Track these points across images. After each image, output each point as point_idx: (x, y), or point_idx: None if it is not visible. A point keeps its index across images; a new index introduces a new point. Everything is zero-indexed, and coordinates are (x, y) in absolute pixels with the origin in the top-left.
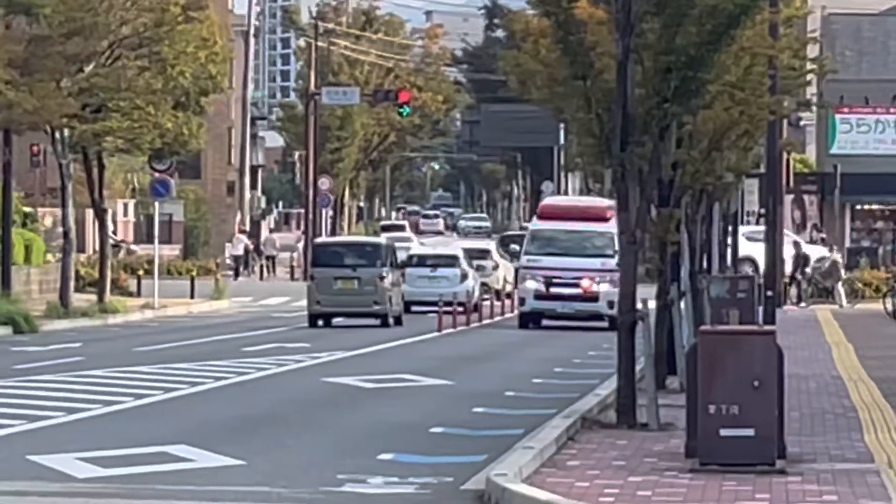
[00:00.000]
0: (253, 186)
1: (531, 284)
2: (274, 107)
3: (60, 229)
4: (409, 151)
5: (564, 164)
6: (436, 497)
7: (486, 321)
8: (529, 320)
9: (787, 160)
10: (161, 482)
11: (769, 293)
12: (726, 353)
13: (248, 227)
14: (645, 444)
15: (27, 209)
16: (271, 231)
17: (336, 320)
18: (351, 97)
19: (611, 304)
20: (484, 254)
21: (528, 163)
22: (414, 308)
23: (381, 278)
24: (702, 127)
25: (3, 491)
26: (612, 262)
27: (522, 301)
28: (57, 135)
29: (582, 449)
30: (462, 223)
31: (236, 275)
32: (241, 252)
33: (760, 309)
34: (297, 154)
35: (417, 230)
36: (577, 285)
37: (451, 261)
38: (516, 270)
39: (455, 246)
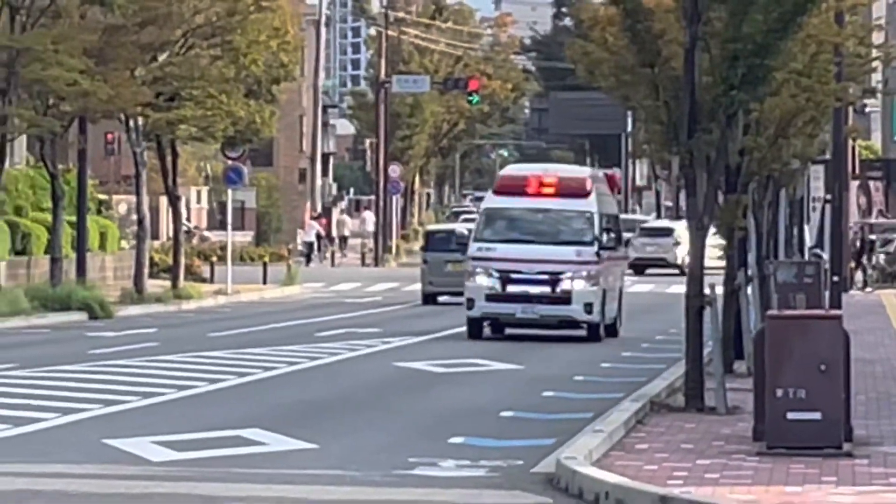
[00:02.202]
0: (324, 174)
1: (482, 281)
2: (345, 95)
3: (135, 216)
4: (479, 139)
5: (632, 151)
6: (506, 480)
7: None
8: (479, 328)
9: (853, 147)
10: (234, 465)
11: (835, 278)
12: (793, 337)
13: (319, 214)
14: (713, 427)
15: (102, 196)
16: (342, 212)
17: (441, 298)
18: (421, 85)
19: (588, 308)
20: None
21: (595, 150)
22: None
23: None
24: (768, 114)
25: (79, 474)
26: (592, 252)
27: (471, 303)
28: (131, 123)
29: (650, 432)
30: None
31: (308, 261)
32: (312, 238)
33: (827, 294)
34: (367, 142)
35: None
36: (543, 282)
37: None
38: None
39: None
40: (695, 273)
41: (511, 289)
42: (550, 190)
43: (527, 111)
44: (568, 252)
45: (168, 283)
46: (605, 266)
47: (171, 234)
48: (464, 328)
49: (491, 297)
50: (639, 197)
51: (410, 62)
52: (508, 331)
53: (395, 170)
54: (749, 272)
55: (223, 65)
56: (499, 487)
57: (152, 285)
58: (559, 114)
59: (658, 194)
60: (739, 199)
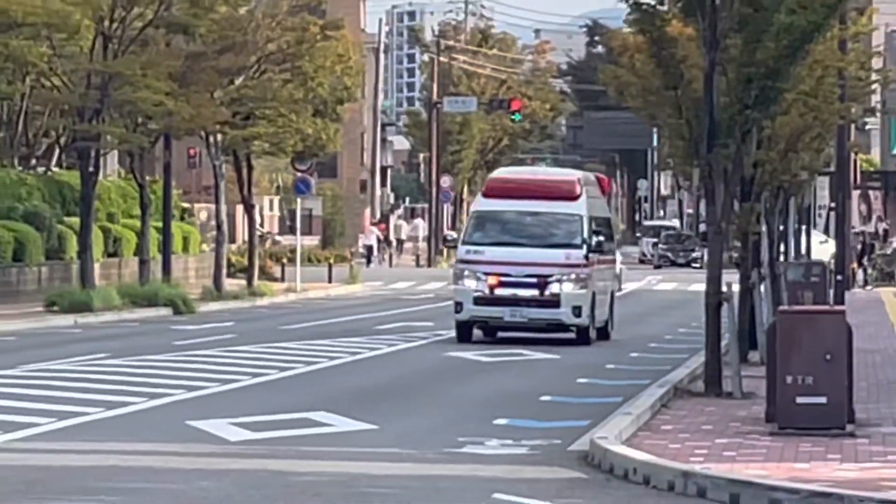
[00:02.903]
0: (382, 184)
1: (470, 284)
2: (401, 114)
3: (214, 222)
4: (521, 153)
5: (657, 163)
6: (545, 457)
7: None
8: (468, 332)
9: (855, 160)
10: (304, 444)
11: (839, 277)
12: (802, 330)
13: (378, 220)
14: (729, 410)
15: (185, 205)
16: (398, 218)
17: None
18: (469, 105)
19: (577, 311)
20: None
21: (625, 163)
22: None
23: None
24: (779, 131)
25: (165, 451)
26: (581, 255)
27: (458, 306)
28: (211, 139)
29: (674, 415)
30: None
31: (368, 262)
32: (372, 242)
33: (831, 291)
34: (421, 156)
35: None
36: (531, 285)
37: None
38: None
39: None
40: (713, 273)
41: (499, 292)
42: (539, 193)
43: (563, 128)
44: (556, 255)
45: (244, 282)
46: (595, 269)
47: (246, 238)
48: None
49: (479, 301)
50: (663, 205)
51: (459, 85)
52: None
53: (445, 181)
54: (762, 272)
55: (293, 87)
56: (539, 464)
57: (230, 284)
58: (592, 131)
59: (681, 203)
60: (753, 207)
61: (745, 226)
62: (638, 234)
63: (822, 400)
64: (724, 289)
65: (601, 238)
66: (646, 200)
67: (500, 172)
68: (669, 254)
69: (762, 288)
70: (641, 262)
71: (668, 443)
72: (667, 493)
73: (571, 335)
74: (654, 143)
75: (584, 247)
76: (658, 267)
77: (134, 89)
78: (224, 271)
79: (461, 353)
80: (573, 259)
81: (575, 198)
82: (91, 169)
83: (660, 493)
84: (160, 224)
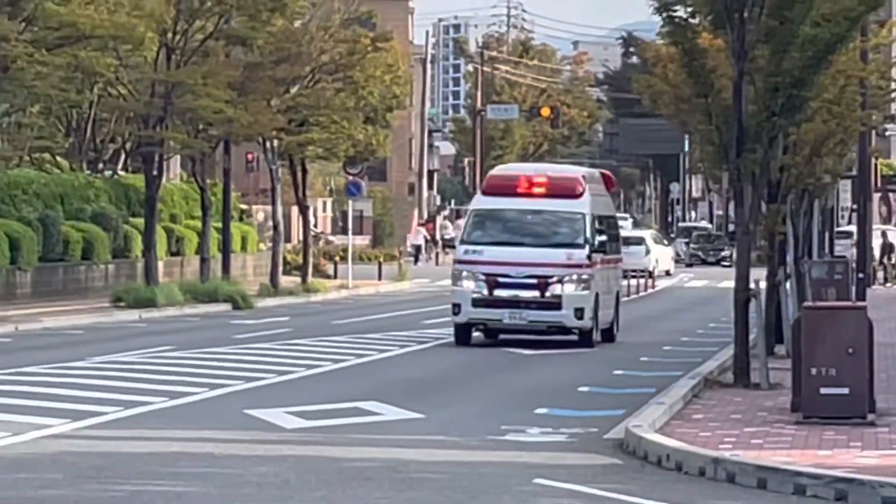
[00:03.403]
0: (429, 187)
1: (468, 285)
2: (447, 121)
3: (271, 223)
4: (560, 158)
5: (688, 167)
6: (583, 444)
7: (632, 296)
8: (466, 334)
9: (875, 164)
10: (355, 432)
11: (860, 275)
12: (825, 324)
13: (425, 221)
14: (757, 400)
15: (243, 206)
16: (444, 219)
17: None
18: (511, 113)
19: (579, 313)
20: (640, 240)
21: (658, 167)
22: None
23: None
24: (804, 137)
25: (224, 438)
26: (584, 254)
27: (456, 308)
28: (268, 145)
29: (704, 405)
30: None
31: (416, 260)
32: (420, 241)
33: (853, 288)
34: (466, 160)
35: None
36: (531, 286)
37: (639, 240)
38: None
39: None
40: (742, 271)
41: (498, 293)
42: (541, 190)
43: (600, 134)
44: (558, 255)
45: (298, 279)
46: (598, 269)
47: (301, 237)
48: None
49: (477, 302)
50: (694, 206)
51: (502, 93)
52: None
53: None
54: (787, 270)
55: (345, 96)
56: (577, 451)
57: (285, 281)
58: (628, 137)
59: (711, 204)
60: (779, 209)
61: (771, 226)
62: (672, 235)
63: (845, 391)
64: (752, 286)
65: (605, 237)
66: (678, 202)
67: (501, 169)
68: (700, 253)
69: (788, 285)
70: (675, 261)
71: (699, 431)
72: (698, 479)
73: (574, 337)
74: (686, 148)
75: (587, 246)
76: (690, 265)
77: (195, 97)
78: (280, 269)
79: (504, 347)
80: (575, 259)
81: (578, 195)
82: (155, 172)
83: (691, 478)
84: (220, 224)
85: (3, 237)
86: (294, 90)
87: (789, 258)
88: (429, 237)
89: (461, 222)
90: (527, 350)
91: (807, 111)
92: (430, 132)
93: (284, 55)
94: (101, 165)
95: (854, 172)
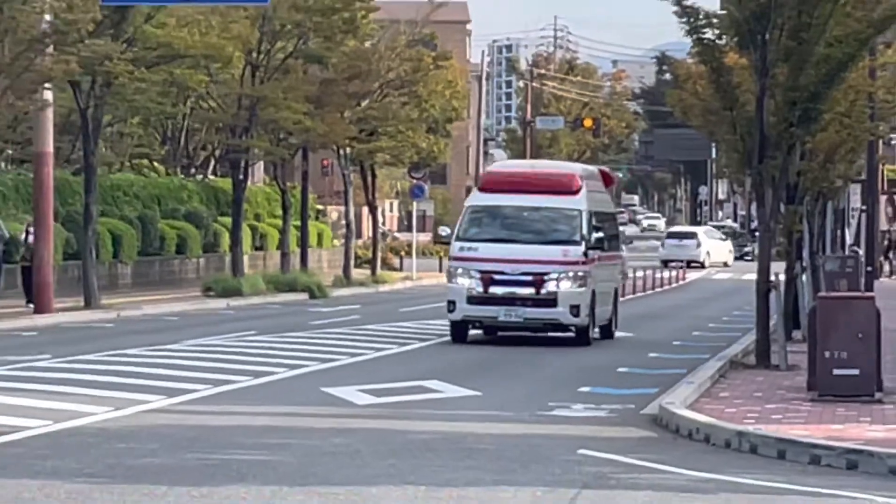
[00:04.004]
0: None
1: (463, 282)
2: (500, 131)
3: (343, 221)
4: (600, 164)
5: (715, 172)
6: (622, 419)
7: (665, 287)
8: (462, 332)
9: (882, 169)
10: (419, 407)
11: (869, 268)
12: (838, 312)
13: None
14: (776, 380)
15: (319, 207)
16: None
17: None
18: (557, 124)
19: (575, 310)
20: (693, 234)
21: (688, 172)
22: (671, 265)
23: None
24: (818, 145)
25: (303, 413)
26: (580, 251)
27: (451, 305)
28: (341, 152)
29: (730, 384)
30: (639, 218)
31: None
32: None
33: (863, 280)
34: None
35: None
36: (527, 283)
37: (692, 234)
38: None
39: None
40: (763, 264)
41: (493, 290)
42: (537, 187)
43: (636, 143)
44: (554, 251)
45: (368, 272)
46: (595, 266)
47: (370, 234)
48: (619, 301)
49: (472, 300)
50: (720, 207)
51: (549, 106)
52: (635, 306)
53: None
54: (804, 264)
55: (410, 109)
56: (616, 425)
57: (356, 273)
58: (661, 145)
59: (735, 205)
60: (797, 209)
61: (789, 225)
62: None
63: (855, 372)
64: (772, 278)
65: (602, 234)
66: (705, 203)
67: (498, 165)
68: (660, 251)
69: (804, 277)
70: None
71: (725, 407)
72: (724, 450)
73: (570, 335)
74: (713, 155)
75: (583, 243)
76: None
77: (277, 110)
78: (352, 262)
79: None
80: (571, 256)
81: (574, 192)
82: (241, 176)
83: (718, 449)
84: (299, 222)
85: (107, 234)
86: (364, 103)
87: (805, 253)
88: None
89: None
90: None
91: (821, 122)
92: (486, 141)
93: (356, 72)
94: (193, 170)
95: (863, 177)
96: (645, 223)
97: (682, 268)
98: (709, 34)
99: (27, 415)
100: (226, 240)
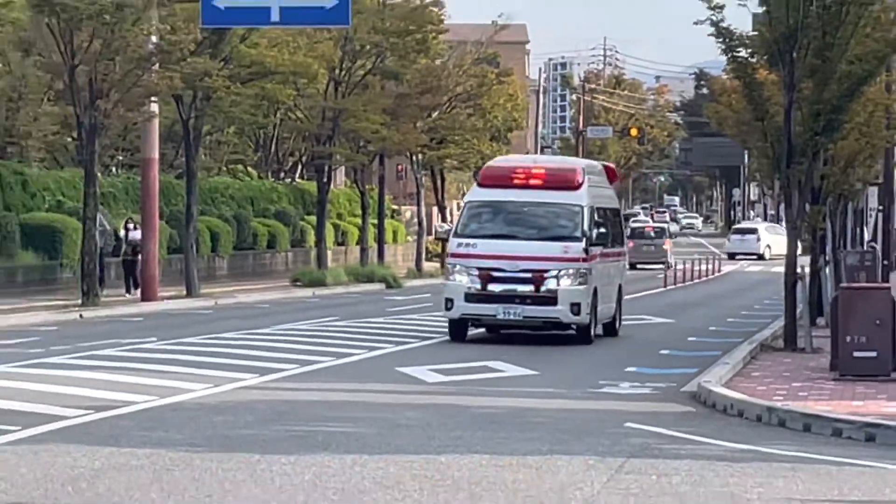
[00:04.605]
0: None
1: (461, 279)
2: (555, 139)
3: (416, 220)
4: (644, 169)
5: (747, 176)
6: (664, 396)
7: (703, 278)
8: (461, 330)
9: None
10: (484, 385)
11: (885, 262)
12: (857, 301)
13: None
14: (802, 361)
15: (394, 207)
16: None
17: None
18: (606, 133)
19: (575, 309)
20: (753, 230)
21: (723, 176)
22: (738, 258)
23: (665, 244)
24: (840, 152)
25: (380, 390)
26: (580, 248)
27: (449, 303)
28: (414, 158)
29: (760, 365)
30: (679, 217)
31: None
32: None
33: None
34: None
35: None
36: (526, 280)
37: (753, 230)
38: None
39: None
40: (790, 259)
41: (492, 288)
42: (537, 182)
43: (677, 150)
44: (554, 248)
45: (438, 265)
46: (597, 263)
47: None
48: (649, 293)
49: (470, 297)
50: (752, 207)
51: (599, 117)
52: (675, 295)
53: None
54: (827, 258)
55: (475, 119)
56: (659, 401)
57: (427, 265)
58: (699, 152)
59: (765, 206)
60: (820, 209)
61: (814, 223)
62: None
63: (873, 354)
64: (798, 270)
65: (604, 230)
66: (738, 204)
67: (498, 160)
68: (726, 245)
69: (827, 270)
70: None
71: (756, 385)
72: (755, 423)
73: (571, 333)
74: (745, 161)
75: (584, 239)
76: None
77: (357, 121)
78: (423, 256)
79: None
80: (572, 253)
81: (576, 187)
82: (325, 180)
83: (750, 423)
84: (376, 221)
85: (206, 231)
86: (435, 115)
87: (828, 248)
88: None
89: None
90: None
91: (842, 132)
92: (542, 148)
93: (427, 87)
94: (282, 174)
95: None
96: (683, 222)
97: (748, 259)
98: (742, 53)
99: (136, 391)
100: (311, 236)
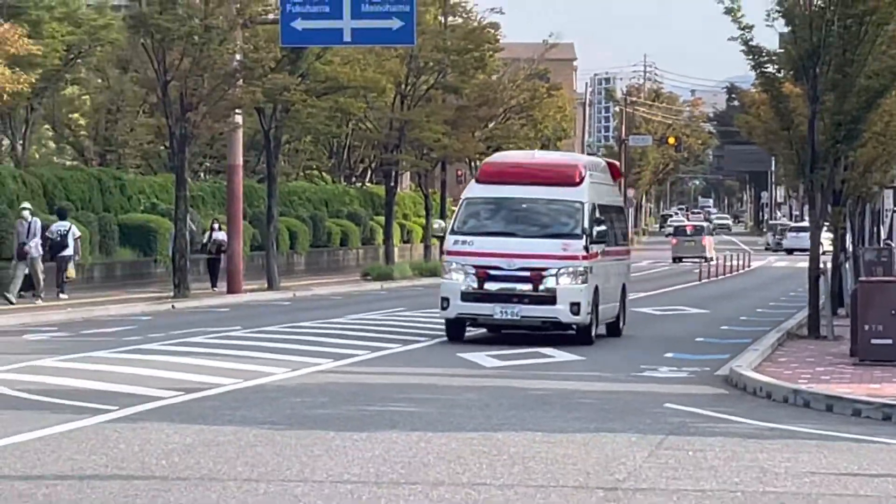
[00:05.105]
0: None
1: (457, 278)
2: (600, 147)
3: None
4: (681, 174)
5: (774, 180)
6: (700, 379)
7: (734, 273)
8: (458, 330)
9: None
10: (536, 369)
11: None
12: (875, 294)
13: None
14: (825, 348)
15: (454, 208)
16: None
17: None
18: (646, 141)
19: (575, 308)
20: (807, 228)
21: (752, 180)
22: (795, 253)
23: (705, 240)
24: (859, 158)
25: (443, 374)
26: (580, 245)
27: (445, 302)
28: (472, 164)
29: (786, 351)
30: (712, 217)
31: None
32: None
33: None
34: None
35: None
36: (524, 279)
37: (802, 229)
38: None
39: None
40: (814, 255)
41: (489, 286)
42: (537, 178)
43: (710, 157)
44: (553, 246)
45: None
46: (598, 261)
47: None
48: (685, 286)
49: (467, 296)
50: (778, 208)
51: (640, 127)
52: (711, 288)
53: (631, 192)
54: (847, 254)
55: (527, 129)
56: (695, 383)
57: None
58: (730, 158)
59: (791, 207)
60: (841, 210)
61: (835, 223)
62: (764, 230)
63: (889, 341)
64: (821, 266)
65: (606, 227)
66: (766, 206)
67: (497, 156)
68: (783, 241)
69: (847, 265)
70: (766, 248)
71: (783, 370)
72: (782, 404)
73: (571, 333)
74: (773, 167)
75: (585, 237)
76: (775, 251)
77: (421, 131)
78: None
79: (642, 309)
80: (571, 250)
81: (576, 183)
82: (392, 184)
83: (777, 404)
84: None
85: (285, 230)
86: (491, 125)
87: (848, 245)
88: None
89: None
90: (655, 311)
91: (861, 140)
92: (589, 154)
93: (484, 100)
94: (353, 179)
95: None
96: (716, 222)
97: (804, 254)
98: (770, 68)
99: (222, 374)
100: (380, 235)
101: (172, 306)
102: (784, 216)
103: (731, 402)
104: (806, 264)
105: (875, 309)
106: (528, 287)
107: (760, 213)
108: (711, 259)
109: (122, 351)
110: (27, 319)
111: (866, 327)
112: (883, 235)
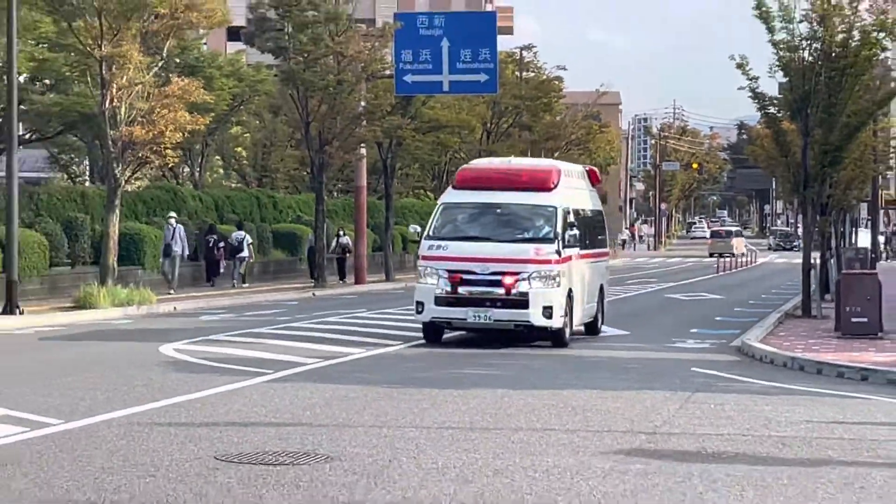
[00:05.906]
0: (630, 207)
1: (431, 282)
2: (639, 171)
3: None
4: (702, 191)
5: (774, 196)
6: (718, 349)
7: (742, 267)
8: (434, 332)
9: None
10: (590, 340)
11: (873, 255)
12: (854, 283)
13: (629, 225)
14: (815, 325)
15: None
16: (641, 224)
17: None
18: (675, 166)
19: (548, 312)
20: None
21: (758, 196)
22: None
23: (733, 241)
24: (841, 178)
25: (516, 345)
26: (553, 250)
27: (419, 307)
28: None
29: (785, 327)
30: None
31: (623, 247)
32: (626, 237)
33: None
34: (650, 193)
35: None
36: (497, 283)
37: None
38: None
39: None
40: (806, 253)
41: (462, 291)
42: (511, 183)
43: (725, 178)
44: (526, 250)
45: None
46: (573, 265)
47: None
48: (705, 277)
49: (440, 301)
50: (778, 217)
51: (670, 156)
52: (727, 278)
53: (664, 205)
54: (832, 253)
55: (584, 158)
56: (715, 353)
57: None
58: (741, 179)
59: (787, 217)
60: (827, 219)
61: (823, 229)
62: (767, 234)
63: (866, 320)
64: (812, 261)
65: (580, 231)
66: (768, 216)
67: (474, 163)
68: (782, 243)
69: (832, 261)
70: (769, 248)
71: (782, 342)
72: (783, 368)
73: (545, 336)
74: (773, 185)
75: (557, 241)
76: (775, 250)
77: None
78: None
79: (672, 295)
80: (544, 254)
81: (549, 188)
82: None
83: (778, 368)
84: None
85: (399, 236)
86: (556, 155)
87: (833, 246)
88: (631, 235)
89: (643, 227)
90: (683, 296)
91: (843, 164)
92: (631, 177)
93: (551, 135)
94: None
95: (869, 198)
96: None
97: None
98: (771, 110)
99: (352, 346)
100: None
101: (313, 294)
102: (782, 223)
103: (742, 367)
104: (799, 261)
105: (854, 295)
106: (500, 291)
107: (764, 222)
108: (741, 254)
109: (276, 327)
110: (202, 304)
111: (848, 309)
112: (859, 238)
